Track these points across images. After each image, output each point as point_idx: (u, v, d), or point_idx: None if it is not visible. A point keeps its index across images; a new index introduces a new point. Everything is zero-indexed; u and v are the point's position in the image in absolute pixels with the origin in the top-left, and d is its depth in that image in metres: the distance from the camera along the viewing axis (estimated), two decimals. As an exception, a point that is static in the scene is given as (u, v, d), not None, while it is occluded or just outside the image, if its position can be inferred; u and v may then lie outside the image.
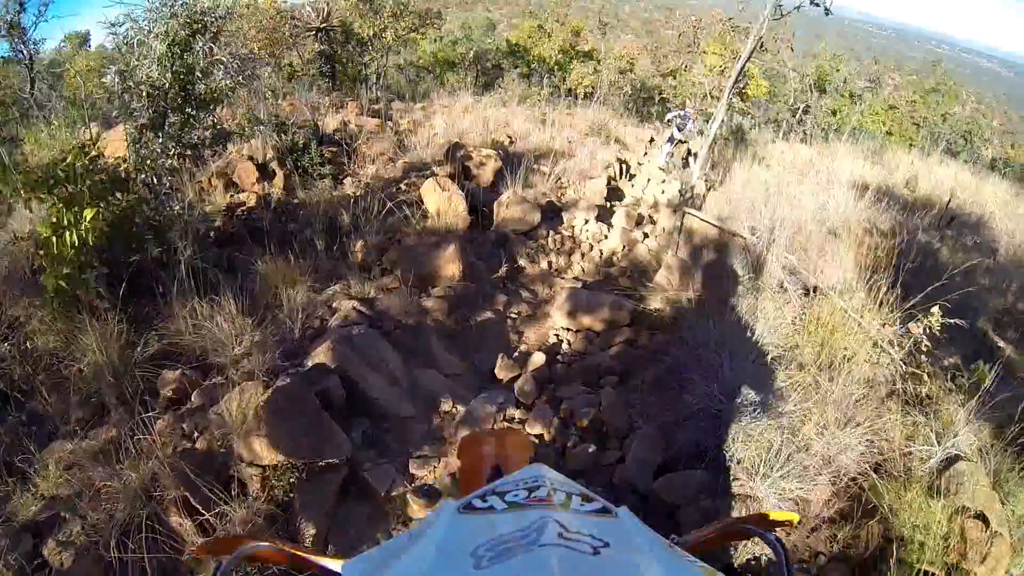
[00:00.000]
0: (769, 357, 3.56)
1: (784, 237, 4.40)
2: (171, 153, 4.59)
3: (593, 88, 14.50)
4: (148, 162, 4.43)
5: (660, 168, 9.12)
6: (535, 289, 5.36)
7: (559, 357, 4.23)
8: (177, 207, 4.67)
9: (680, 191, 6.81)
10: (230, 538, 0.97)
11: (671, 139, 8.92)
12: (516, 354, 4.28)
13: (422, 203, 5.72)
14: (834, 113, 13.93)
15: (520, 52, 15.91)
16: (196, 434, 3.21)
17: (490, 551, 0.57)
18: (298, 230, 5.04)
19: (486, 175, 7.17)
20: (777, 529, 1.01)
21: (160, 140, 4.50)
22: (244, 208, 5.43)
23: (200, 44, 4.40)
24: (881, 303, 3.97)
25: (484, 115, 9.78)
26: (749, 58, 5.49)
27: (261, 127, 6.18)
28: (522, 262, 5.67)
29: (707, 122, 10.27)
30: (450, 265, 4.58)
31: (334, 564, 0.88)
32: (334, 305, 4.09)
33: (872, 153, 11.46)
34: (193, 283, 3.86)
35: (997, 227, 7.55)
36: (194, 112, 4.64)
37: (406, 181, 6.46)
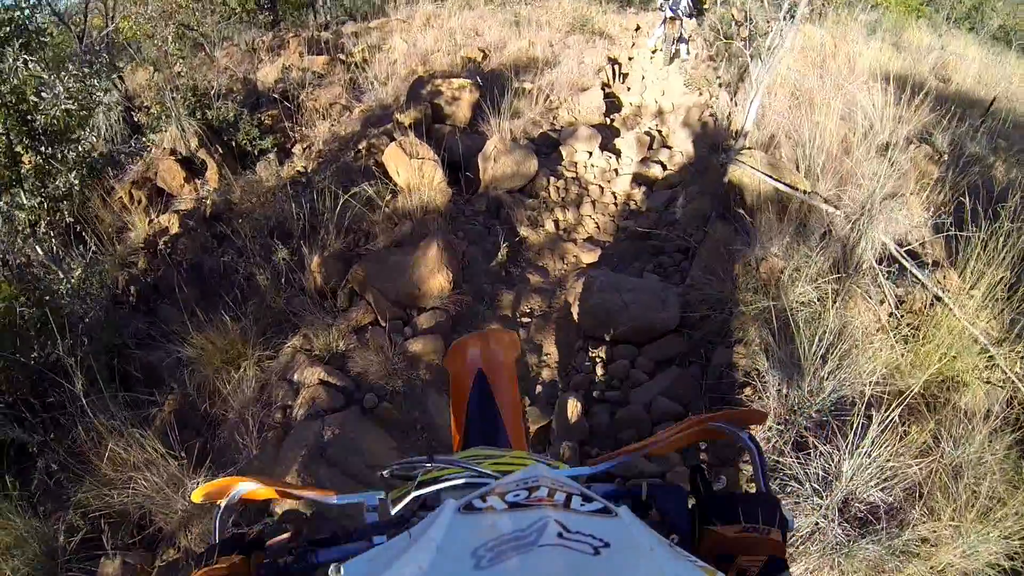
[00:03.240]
0: (869, 399, 2.56)
1: (880, 208, 3.21)
2: (41, 210, 3.31)
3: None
4: (15, 236, 3.18)
5: (652, 49, 8.03)
6: (545, 267, 4.30)
7: (595, 395, 3.22)
8: (78, 271, 3.46)
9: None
10: (223, 480, 0.85)
11: (663, 21, 7.75)
12: (539, 389, 3.32)
13: (388, 176, 4.51)
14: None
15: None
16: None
17: (490, 551, 0.51)
18: (234, 262, 3.82)
19: (462, 112, 5.85)
20: (749, 427, 0.91)
21: (20, 200, 3.20)
22: (167, 237, 4.20)
23: (10, 59, 2.99)
24: (966, 278, 2.94)
25: (449, 26, 8.17)
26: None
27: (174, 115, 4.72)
28: (524, 231, 4.55)
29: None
30: (435, 276, 3.47)
31: (327, 497, 0.92)
32: (295, 379, 3.01)
33: (887, 32, 9.91)
34: (102, 395, 2.76)
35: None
36: (49, 150, 3.30)
37: (366, 140, 5.16)
